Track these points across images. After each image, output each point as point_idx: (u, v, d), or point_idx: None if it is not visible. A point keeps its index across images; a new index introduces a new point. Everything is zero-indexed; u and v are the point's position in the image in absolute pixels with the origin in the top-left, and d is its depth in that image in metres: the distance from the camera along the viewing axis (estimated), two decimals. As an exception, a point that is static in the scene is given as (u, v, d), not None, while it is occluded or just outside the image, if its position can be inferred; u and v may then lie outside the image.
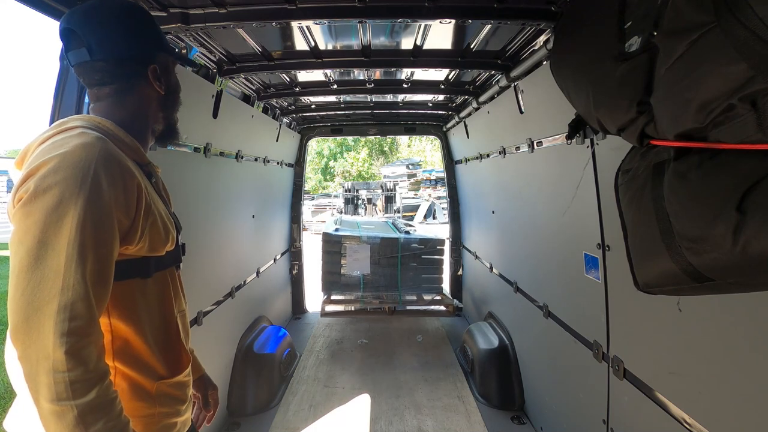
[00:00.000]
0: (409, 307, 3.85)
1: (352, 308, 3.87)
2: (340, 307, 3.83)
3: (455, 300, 4.00)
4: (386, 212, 14.22)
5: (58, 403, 0.69)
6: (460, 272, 4.60)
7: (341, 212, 13.93)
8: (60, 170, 0.75)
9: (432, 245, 3.92)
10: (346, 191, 14.82)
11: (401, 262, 3.85)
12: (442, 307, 3.83)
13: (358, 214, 14.09)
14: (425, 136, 14.30)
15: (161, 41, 1.02)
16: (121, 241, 0.83)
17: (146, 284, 0.92)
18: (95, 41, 0.91)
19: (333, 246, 3.88)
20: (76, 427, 0.70)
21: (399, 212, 14.60)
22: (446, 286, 4.19)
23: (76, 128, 0.85)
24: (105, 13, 0.94)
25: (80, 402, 0.70)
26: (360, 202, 14.56)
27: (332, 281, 3.87)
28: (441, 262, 3.97)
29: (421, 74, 2.78)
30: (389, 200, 14.66)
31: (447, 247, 4.16)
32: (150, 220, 0.89)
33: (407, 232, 4.31)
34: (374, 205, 14.60)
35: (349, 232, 4.01)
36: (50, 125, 0.89)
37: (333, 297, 3.86)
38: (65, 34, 0.92)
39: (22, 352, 0.70)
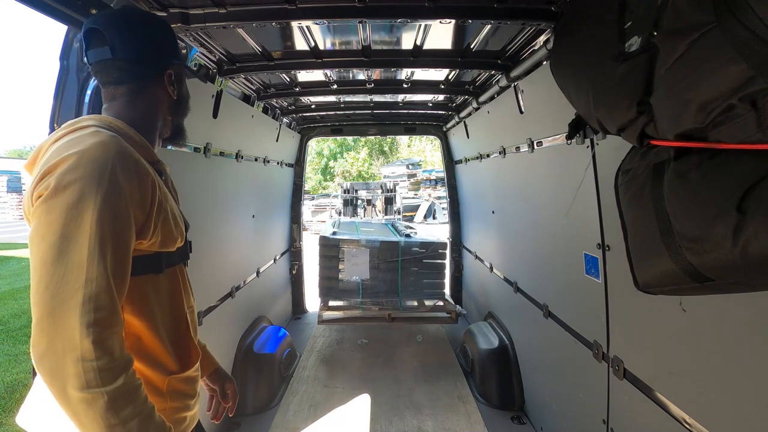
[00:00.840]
0: (409, 314, 3.68)
1: (351, 315, 3.72)
2: (338, 314, 3.70)
3: (458, 306, 3.86)
4: (386, 213, 14.12)
5: (88, 390, 0.71)
6: (460, 272, 4.59)
7: (340, 213, 13.80)
8: (79, 167, 0.77)
9: (434, 249, 3.81)
10: (345, 192, 14.58)
11: (402, 266, 3.73)
12: (444, 314, 3.68)
13: (357, 215, 13.96)
14: (425, 136, 14.27)
15: (179, 53, 1.08)
16: (136, 235, 0.85)
17: (158, 280, 0.94)
18: (119, 41, 0.95)
19: (330, 250, 3.75)
20: (107, 412, 0.71)
21: (399, 213, 14.49)
22: (446, 288, 4.13)
23: (90, 127, 0.87)
24: (131, 17, 1.01)
25: (110, 389, 0.72)
26: (359, 202, 14.40)
27: (330, 287, 3.75)
28: (443, 266, 3.87)
29: (421, 74, 2.78)
30: (389, 201, 14.51)
31: (448, 250, 4.10)
32: (162, 215, 0.91)
33: (408, 235, 4.17)
34: (374, 206, 14.46)
35: (348, 236, 3.89)
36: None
37: (331, 303, 3.73)
38: (89, 34, 0.96)
39: (48, 345, 0.71)
